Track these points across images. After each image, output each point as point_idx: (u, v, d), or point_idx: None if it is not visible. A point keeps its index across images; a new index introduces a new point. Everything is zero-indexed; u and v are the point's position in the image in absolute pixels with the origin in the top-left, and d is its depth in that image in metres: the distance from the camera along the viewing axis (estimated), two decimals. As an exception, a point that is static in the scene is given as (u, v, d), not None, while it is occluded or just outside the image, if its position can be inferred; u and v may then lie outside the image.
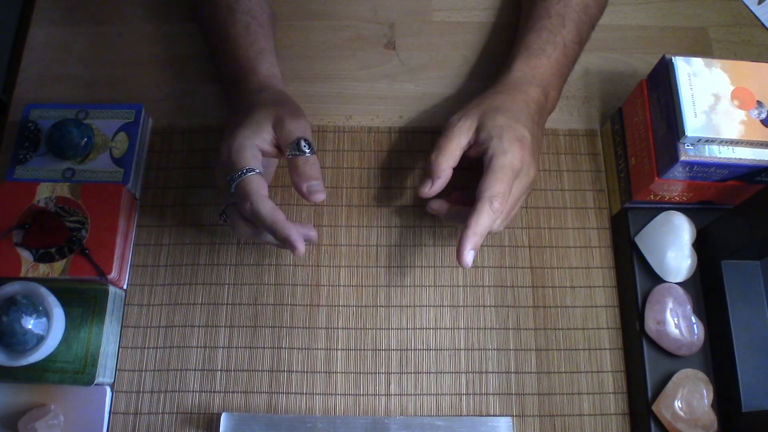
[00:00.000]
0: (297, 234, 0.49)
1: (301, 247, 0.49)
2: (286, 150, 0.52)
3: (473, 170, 0.56)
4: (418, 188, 0.55)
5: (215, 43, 0.61)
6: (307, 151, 0.52)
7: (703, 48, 0.69)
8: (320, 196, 0.52)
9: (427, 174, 0.54)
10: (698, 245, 0.58)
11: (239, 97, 0.57)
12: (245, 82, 0.58)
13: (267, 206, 0.49)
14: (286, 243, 0.50)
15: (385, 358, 0.58)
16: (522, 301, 0.60)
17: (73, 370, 0.54)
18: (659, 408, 0.54)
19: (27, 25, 0.69)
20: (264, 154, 0.52)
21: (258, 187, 0.50)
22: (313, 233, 0.55)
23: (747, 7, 0.71)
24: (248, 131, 0.52)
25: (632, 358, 0.58)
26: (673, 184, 0.56)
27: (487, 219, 0.50)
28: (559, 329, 0.59)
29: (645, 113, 0.57)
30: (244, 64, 0.58)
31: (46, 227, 0.56)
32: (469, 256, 0.50)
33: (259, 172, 0.50)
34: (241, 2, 0.60)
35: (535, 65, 0.59)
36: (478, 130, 0.54)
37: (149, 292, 0.59)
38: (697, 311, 0.56)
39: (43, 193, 0.57)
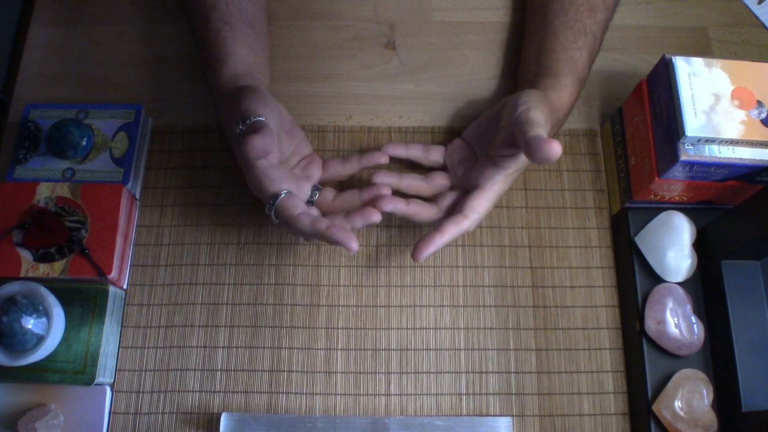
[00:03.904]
0: (345, 235, 0.50)
1: (354, 246, 0.50)
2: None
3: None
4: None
5: (198, 49, 0.62)
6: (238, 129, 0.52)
7: (703, 48, 0.69)
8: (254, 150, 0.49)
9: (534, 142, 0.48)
10: (698, 245, 0.58)
11: (218, 115, 0.59)
12: (213, 97, 0.59)
13: (305, 223, 0.51)
14: (339, 245, 0.50)
15: (385, 358, 0.58)
16: (522, 301, 0.60)
17: (73, 370, 0.54)
18: (659, 408, 0.54)
19: (27, 25, 0.69)
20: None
21: (291, 209, 0.52)
22: (375, 217, 0.53)
23: (747, 7, 0.71)
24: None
25: (632, 358, 0.58)
26: (673, 184, 0.56)
27: (460, 232, 0.54)
28: (559, 329, 0.59)
29: (645, 113, 0.57)
30: (208, 71, 0.59)
31: (46, 227, 0.56)
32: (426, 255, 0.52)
33: (287, 193, 0.53)
34: (218, 9, 0.59)
35: (578, 92, 0.59)
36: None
37: (149, 292, 0.59)
38: (697, 311, 0.56)
39: (43, 193, 0.57)
